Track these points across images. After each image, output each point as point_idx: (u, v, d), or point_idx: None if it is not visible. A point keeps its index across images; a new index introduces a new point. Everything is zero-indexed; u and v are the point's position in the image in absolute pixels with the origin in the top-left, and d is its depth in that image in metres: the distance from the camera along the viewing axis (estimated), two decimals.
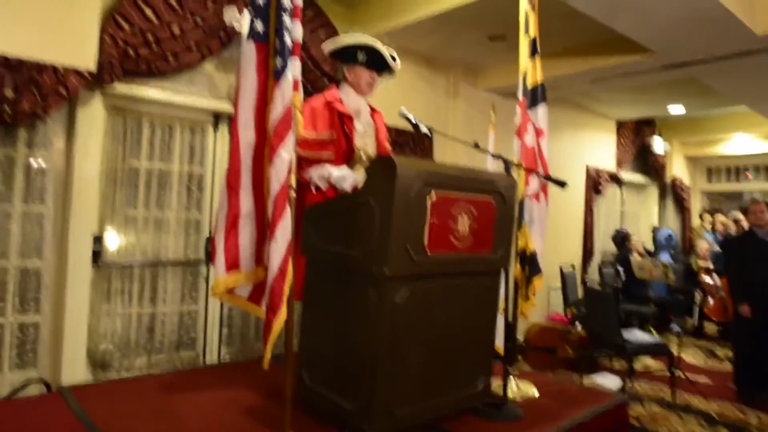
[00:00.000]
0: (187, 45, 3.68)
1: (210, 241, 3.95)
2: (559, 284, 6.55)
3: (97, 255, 3.55)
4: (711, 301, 6.90)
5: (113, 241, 3.70)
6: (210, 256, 3.85)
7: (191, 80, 3.93)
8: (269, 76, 2.09)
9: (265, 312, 1.95)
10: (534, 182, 2.94)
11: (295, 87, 1.99)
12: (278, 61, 2.00)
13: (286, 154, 1.95)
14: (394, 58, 2.88)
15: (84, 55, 3.24)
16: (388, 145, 3.08)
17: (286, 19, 2.04)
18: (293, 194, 1.96)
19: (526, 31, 3.03)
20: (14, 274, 3.26)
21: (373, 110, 3.01)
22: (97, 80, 3.31)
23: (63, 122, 3.42)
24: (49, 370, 3.34)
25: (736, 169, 9.95)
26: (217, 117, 4.13)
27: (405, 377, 2.02)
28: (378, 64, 2.86)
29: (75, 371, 3.37)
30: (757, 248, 4.56)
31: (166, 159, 3.94)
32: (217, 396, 2.47)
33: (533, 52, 3.04)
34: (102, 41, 3.32)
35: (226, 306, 4.13)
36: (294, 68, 2.00)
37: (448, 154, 5.31)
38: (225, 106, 4.06)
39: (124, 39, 3.42)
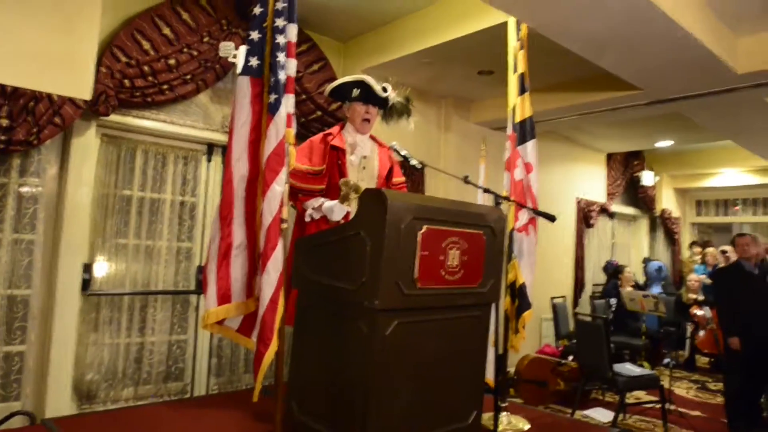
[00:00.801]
0: (183, 77, 3.74)
1: (201, 271, 3.95)
2: (550, 316, 6.55)
3: (87, 283, 3.53)
4: (702, 333, 6.91)
5: (103, 269, 3.69)
6: (201, 286, 3.84)
7: (186, 111, 3.98)
8: (263, 110, 2.13)
9: (256, 344, 1.95)
10: (523, 216, 2.98)
11: (289, 122, 2.03)
12: (272, 97, 2.05)
13: (278, 188, 1.98)
14: (385, 90, 2.95)
15: (80, 86, 3.27)
16: (399, 179, 3.10)
17: (281, 55, 2.10)
18: (285, 226, 1.98)
19: (515, 67, 3.11)
20: (1, 303, 3.23)
21: (380, 146, 3.05)
22: (93, 111, 3.34)
23: (57, 150, 3.45)
24: (34, 401, 3.28)
25: (724, 201, 10.09)
26: (210, 147, 4.17)
27: (396, 410, 2.01)
28: (372, 98, 2.92)
29: (60, 402, 3.31)
30: (744, 280, 4.60)
31: (158, 188, 3.96)
32: (204, 428, 2.43)
33: (522, 88, 3.11)
34: (98, 72, 3.37)
35: (215, 336, 4.10)
36: (288, 104, 2.05)
37: (440, 185, 5.37)
38: (219, 137, 4.11)
39: (120, 70, 3.47)
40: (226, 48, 3.77)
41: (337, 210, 2.70)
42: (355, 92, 2.90)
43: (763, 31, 3.84)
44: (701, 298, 7.06)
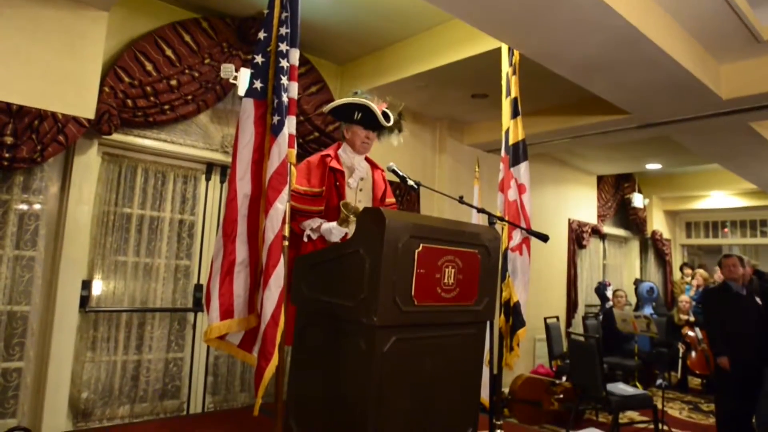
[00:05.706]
0: (184, 97, 3.83)
1: (201, 288, 3.99)
2: (544, 336, 6.59)
3: (85, 300, 3.56)
4: (693, 354, 6.97)
5: (102, 286, 3.72)
6: (201, 303, 3.87)
7: (186, 131, 4.05)
8: (266, 131, 2.21)
9: (257, 359, 1.99)
10: (517, 235, 3.05)
11: (291, 143, 2.11)
12: (275, 118, 2.13)
13: (280, 206, 2.04)
14: (387, 116, 2.99)
15: (84, 105, 3.34)
16: (390, 199, 3.15)
17: (284, 78, 2.19)
18: (286, 243, 2.04)
19: (508, 92, 3.22)
20: (1, 319, 3.25)
21: (374, 167, 3.10)
22: (96, 129, 3.40)
23: (59, 168, 3.50)
24: (30, 418, 3.28)
25: (714, 223, 10.24)
26: (210, 166, 4.24)
27: (393, 427, 2.04)
28: (373, 122, 2.98)
29: (56, 419, 3.31)
30: (732, 301, 4.66)
31: (158, 206, 4.01)
32: None
33: (515, 112, 3.21)
34: (102, 92, 3.44)
35: (212, 354, 4.12)
36: (290, 125, 2.12)
37: (435, 205, 5.45)
38: (218, 156, 4.19)
39: (123, 90, 3.55)
40: (227, 70, 3.90)
41: (335, 232, 2.73)
42: (357, 115, 2.94)
43: (745, 59, 3.98)
44: (692, 319, 7.13)
